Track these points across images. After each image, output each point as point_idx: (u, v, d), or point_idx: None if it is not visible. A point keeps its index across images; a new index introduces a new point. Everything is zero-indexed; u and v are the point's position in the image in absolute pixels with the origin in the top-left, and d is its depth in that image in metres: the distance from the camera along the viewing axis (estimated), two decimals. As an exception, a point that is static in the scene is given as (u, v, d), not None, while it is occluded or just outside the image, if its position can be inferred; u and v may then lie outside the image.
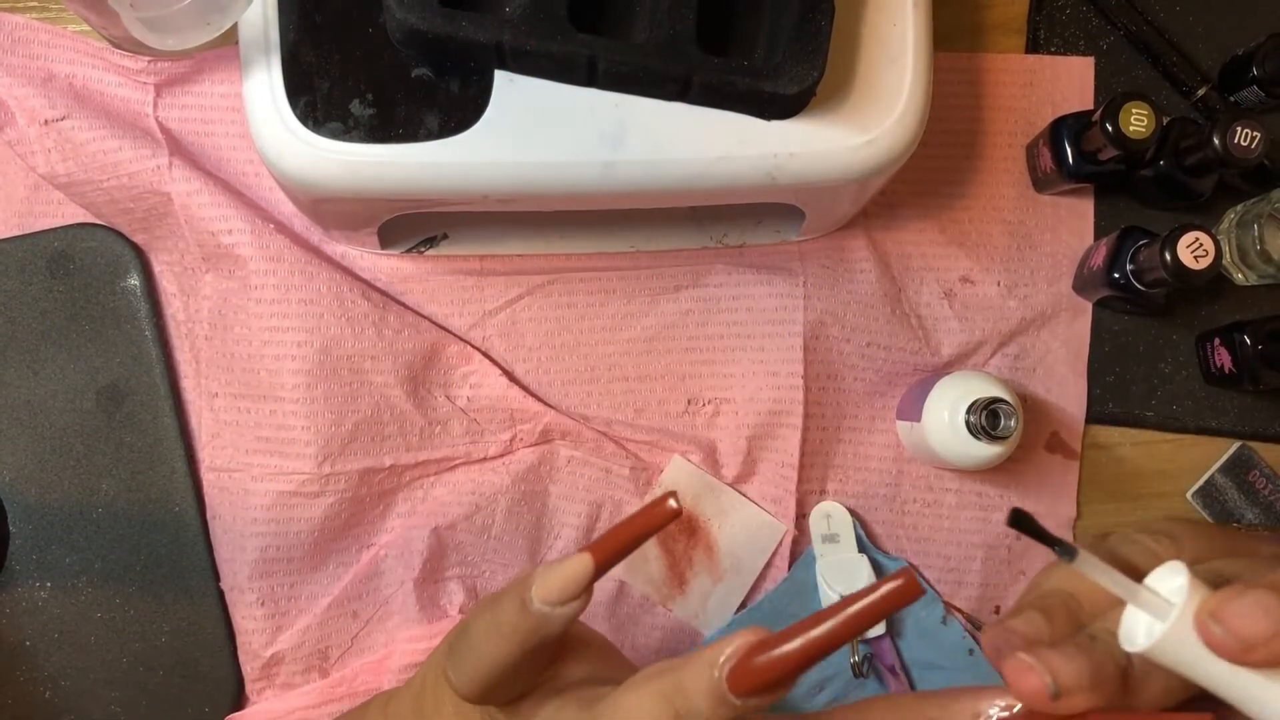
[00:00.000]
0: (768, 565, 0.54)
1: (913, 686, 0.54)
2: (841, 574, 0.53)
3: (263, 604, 0.51)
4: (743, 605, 0.54)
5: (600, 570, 0.31)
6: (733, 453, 0.53)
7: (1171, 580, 0.27)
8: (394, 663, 0.51)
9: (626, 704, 0.31)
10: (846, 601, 0.30)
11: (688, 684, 0.30)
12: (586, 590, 0.32)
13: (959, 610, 0.54)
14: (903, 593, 0.29)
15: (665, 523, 0.32)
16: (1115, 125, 0.49)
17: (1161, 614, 0.26)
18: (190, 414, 0.53)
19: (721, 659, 0.29)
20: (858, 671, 0.53)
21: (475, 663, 0.33)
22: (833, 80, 0.42)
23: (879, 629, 0.52)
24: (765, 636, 0.29)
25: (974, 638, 0.54)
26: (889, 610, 0.30)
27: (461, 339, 0.53)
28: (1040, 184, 0.56)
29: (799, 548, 0.54)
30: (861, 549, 0.54)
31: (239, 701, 0.52)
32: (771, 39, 0.41)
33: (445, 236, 0.53)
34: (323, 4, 0.41)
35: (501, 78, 0.42)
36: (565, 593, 0.31)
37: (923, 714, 0.31)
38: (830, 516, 0.54)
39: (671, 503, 0.31)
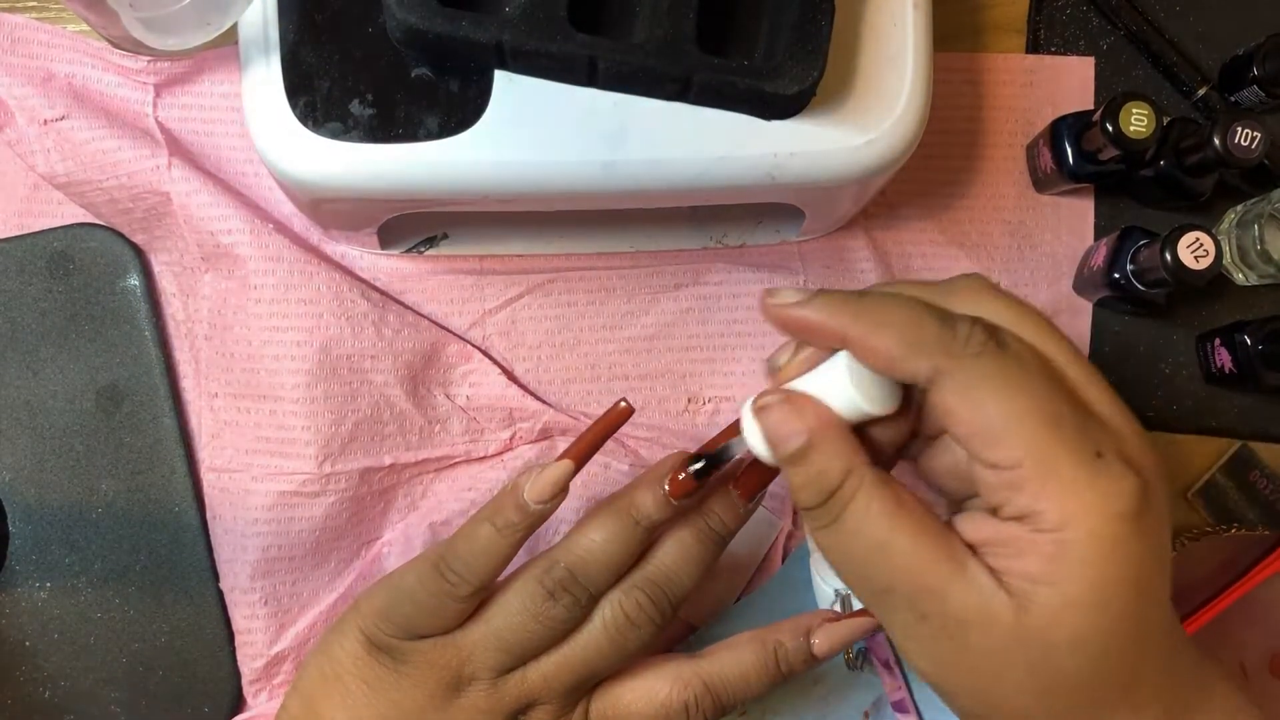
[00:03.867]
0: (764, 560, 0.54)
1: (907, 679, 0.54)
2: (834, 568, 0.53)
3: (265, 603, 0.51)
4: (738, 599, 0.54)
5: (577, 470, 0.41)
6: (732, 451, 0.54)
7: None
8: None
9: (588, 529, 0.41)
10: (735, 423, 0.39)
11: (639, 500, 0.41)
12: (566, 489, 0.41)
13: None
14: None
15: (622, 422, 0.41)
16: (1115, 125, 0.49)
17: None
18: (190, 414, 0.53)
19: (663, 476, 0.41)
20: (852, 665, 0.53)
21: (484, 566, 0.40)
22: (833, 80, 0.42)
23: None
24: (688, 457, 0.41)
25: None
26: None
27: (461, 338, 0.53)
28: (1040, 184, 0.56)
29: (792, 543, 0.54)
30: None
31: (238, 702, 0.52)
32: (771, 39, 0.41)
33: (445, 236, 0.53)
34: (323, 4, 0.41)
35: (501, 78, 0.42)
36: (553, 492, 0.40)
37: (773, 637, 0.43)
38: None
39: (623, 404, 0.41)
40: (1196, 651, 0.33)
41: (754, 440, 0.35)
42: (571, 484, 0.53)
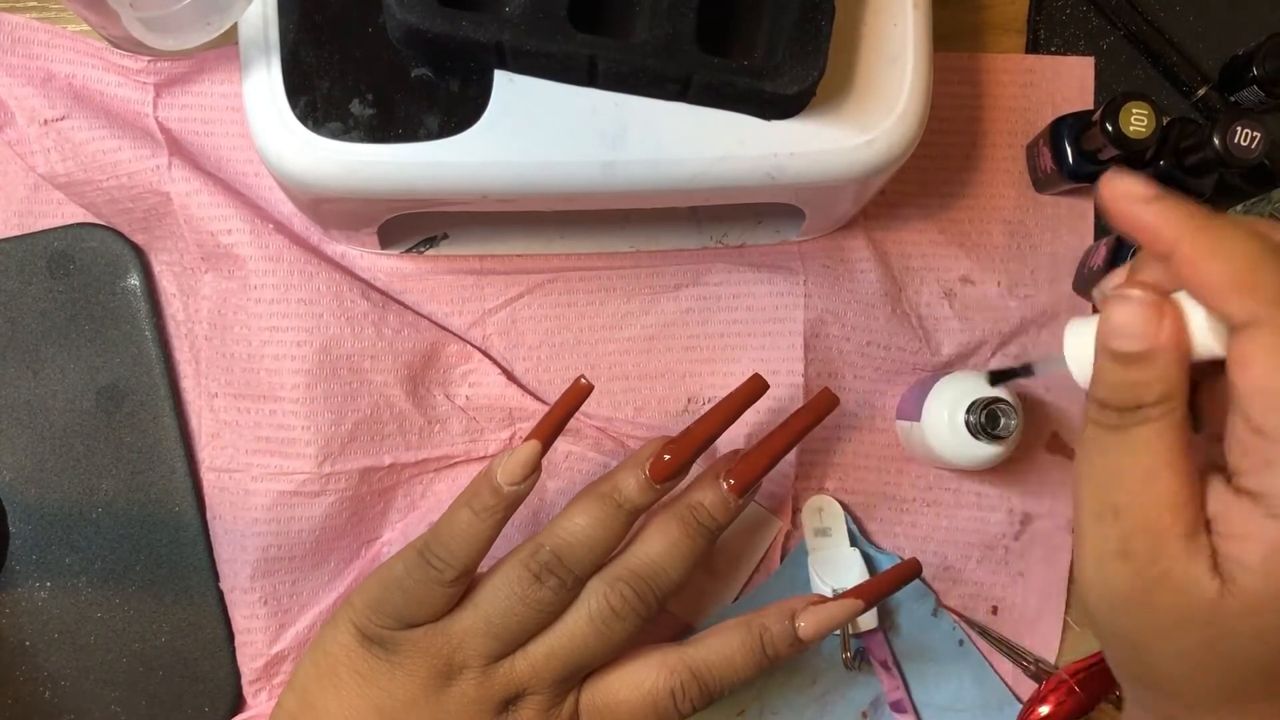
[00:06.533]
0: (762, 559, 0.54)
1: (905, 680, 0.54)
2: (833, 567, 0.53)
3: (265, 603, 0.51)
4: (736, 599, 0.54)
5: (545, 449, 0.41)
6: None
7: None
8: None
9: (572, 513, 0.42)
10: (715, 406, 0.44)
11: (621, 484, 0.42)
12: (538, 468, 0.41)
13: (950, 609, 0.54)
14: (754, 388, 0.44)
15: (583, 397, 0.42)
16: (1115, 125, 0.49)
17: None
18: (190, 414, 0.53)
19: (644, 460, 0.42)
20: (850, 665, 0.53)
21: (466, 550, 0.41)
22: (833, 80, 0.42)
23: (871, 622, 0.52)
24: (668, 440, 0.43)
25: (964, 630, 0.54)
26: (744, 406, 0.45)
27: (461, 338, 0.53)
28: (1040, 184, 0.56)
29: (791, 542, 0.54)
30: (854, 543, 0.54)
31: (238, 702, 0.52)
32: (771, 39, 0.41)
33: (445, 236, 0.53)
34: (323, 4, 0.41)
35: (501, 78, 0.42)
36: (524, 472, 0.41)
37: (758, 621, 0.43)
38: (822, 510, 0.54)
39: (582, 380, 0.42)
40: None
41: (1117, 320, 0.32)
42: (569, 483, 0.53)
